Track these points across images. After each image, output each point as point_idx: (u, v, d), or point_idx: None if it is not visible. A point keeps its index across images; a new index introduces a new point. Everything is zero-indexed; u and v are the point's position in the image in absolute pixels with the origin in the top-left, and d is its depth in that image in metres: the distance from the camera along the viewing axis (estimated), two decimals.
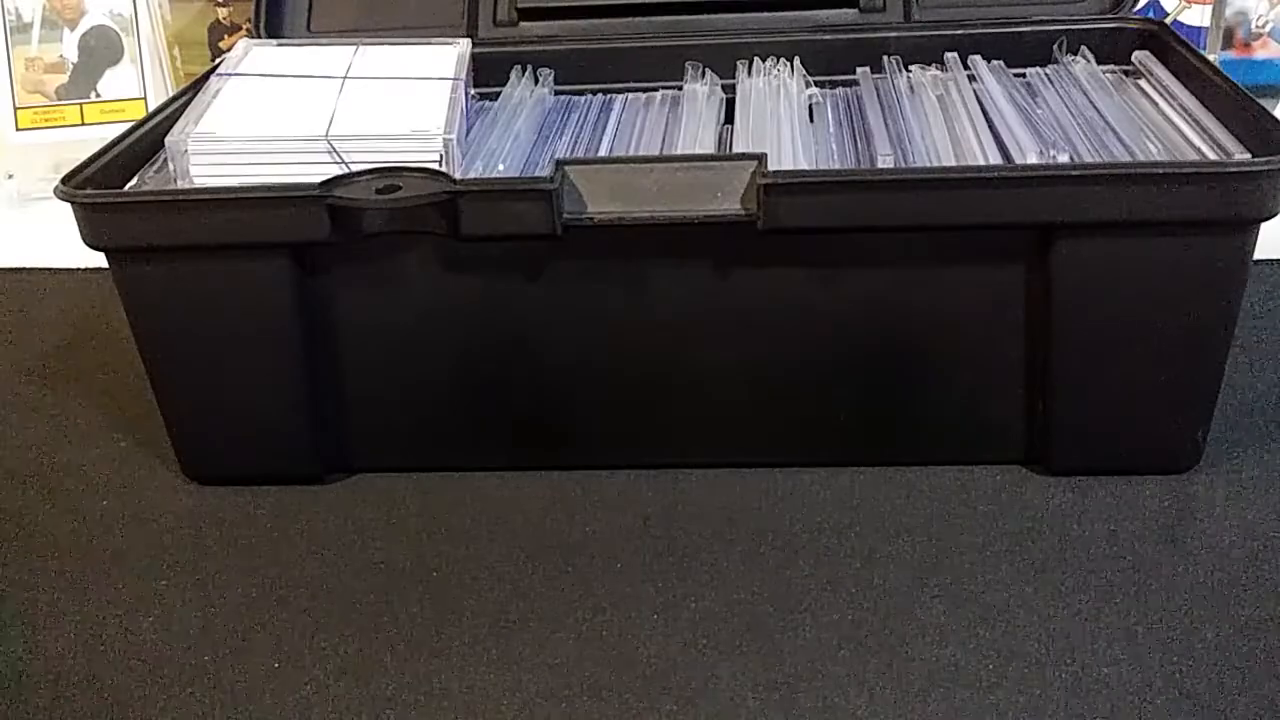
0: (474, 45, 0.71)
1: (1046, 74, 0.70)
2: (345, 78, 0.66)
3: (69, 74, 1.08)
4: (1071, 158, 0.59)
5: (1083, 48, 0.70)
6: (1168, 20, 0.89)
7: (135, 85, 1.08)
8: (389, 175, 0.56)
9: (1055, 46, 0.71)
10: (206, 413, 0.62)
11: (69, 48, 1.08)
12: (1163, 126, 0.62)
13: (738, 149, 0.63)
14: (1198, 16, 0.93)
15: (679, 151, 0.64)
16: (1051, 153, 0.59)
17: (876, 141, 0.63)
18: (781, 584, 0.55)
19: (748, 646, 0.52)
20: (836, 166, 0.62)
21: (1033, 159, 0.59)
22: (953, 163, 0.60)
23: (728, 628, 0.53)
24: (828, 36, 0.74)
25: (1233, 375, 0.60)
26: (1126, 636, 0.51)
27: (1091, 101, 0.65)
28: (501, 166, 0.63)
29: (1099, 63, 0.69)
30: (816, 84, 0.71)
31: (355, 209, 0.55)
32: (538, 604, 0.55)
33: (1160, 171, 0.53)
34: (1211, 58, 0.75)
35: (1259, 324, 0.72)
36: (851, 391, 0.60)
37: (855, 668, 0.50)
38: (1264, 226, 0.54)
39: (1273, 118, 0.56)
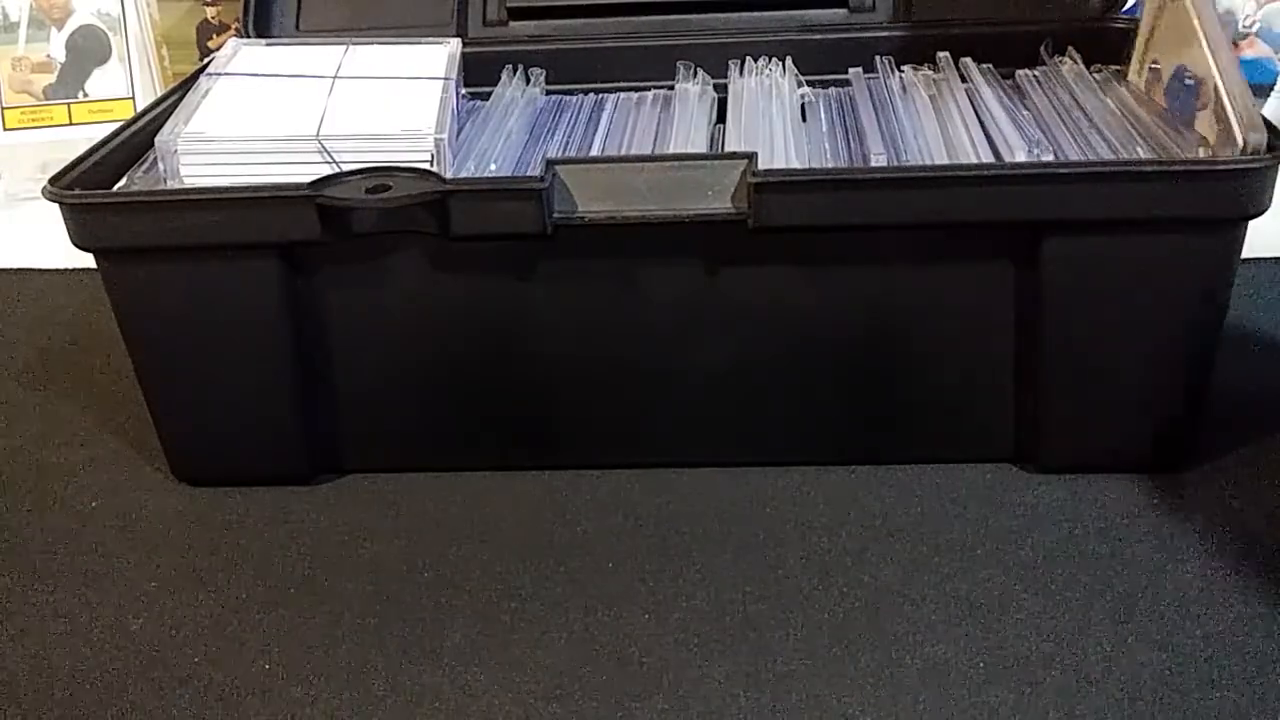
0: (464, 45, 0.71)
1: (1036, 75, 0.70)
2: (335, 77, 0.66)
3: (56, 74, 1.07)
4: (1058, 157, 0.59)
5: (1070, 49, 0.70)
6: None
7: (123, 85, 1.08)
8: (379, 175, 0.56)
9: (1042, 48, 0.71)
10: (196, 414, 0.62)
11: (56, 47, 1.07)
12: (1150, 126, 0.62)
13: (730, 149, 0.63)
14: None
15: (671, 151, 0.64)
16: (1035, 151, 0.59)
17: (869, 141, 0.63)
18: (773, 583, 0.55)
19: (739, 645, 0.52)
20: (829, 166, 0.62)
21: (1021, 157, 0.59)
22: (945, 162, 0.60)
23: (719, 626, 0.53)
24: (818, 36, 0.74)
25: (1221, 373, 0.60)
26: (1116, 634, 0.51)
27: (1079, 102, 0.65)
28: (493, 166, 0.63)
29: (1088, 63, 0.70)
30: (808, 84, 0.71)
31: (345, 209, 0.55)
32: (530, 604, 0.55)
33: (1148, 170, 0.54)
34: None
35: (1247, 322, 0.72)
36: (842, 390, 0.60)
37: (846, 666, 0.50)
38: (1251, 224, 0.55)
39: (1260, 116, 0.56)
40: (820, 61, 0.73)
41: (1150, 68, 0.64)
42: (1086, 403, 0.58)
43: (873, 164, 0.60)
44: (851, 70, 0.72)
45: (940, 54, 0.72)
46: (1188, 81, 0.59)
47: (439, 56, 0.68)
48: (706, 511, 0.60)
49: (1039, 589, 0.54)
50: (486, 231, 0.56)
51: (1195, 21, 0.57)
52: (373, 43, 0.70)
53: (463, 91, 0.71)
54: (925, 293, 0.57)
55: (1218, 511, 0.58)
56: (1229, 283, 0.56)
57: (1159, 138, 0.60)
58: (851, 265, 0.57)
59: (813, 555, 0.56)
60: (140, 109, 0.68)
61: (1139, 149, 0.59)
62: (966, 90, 0.68)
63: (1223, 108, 0.55)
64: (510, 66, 0.75)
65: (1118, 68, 0.69)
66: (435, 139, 0.60)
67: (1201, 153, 0.57)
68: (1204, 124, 0.57)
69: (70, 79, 1.07)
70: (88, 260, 0.58)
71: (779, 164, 0.60)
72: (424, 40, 0.71)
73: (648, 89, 0.73)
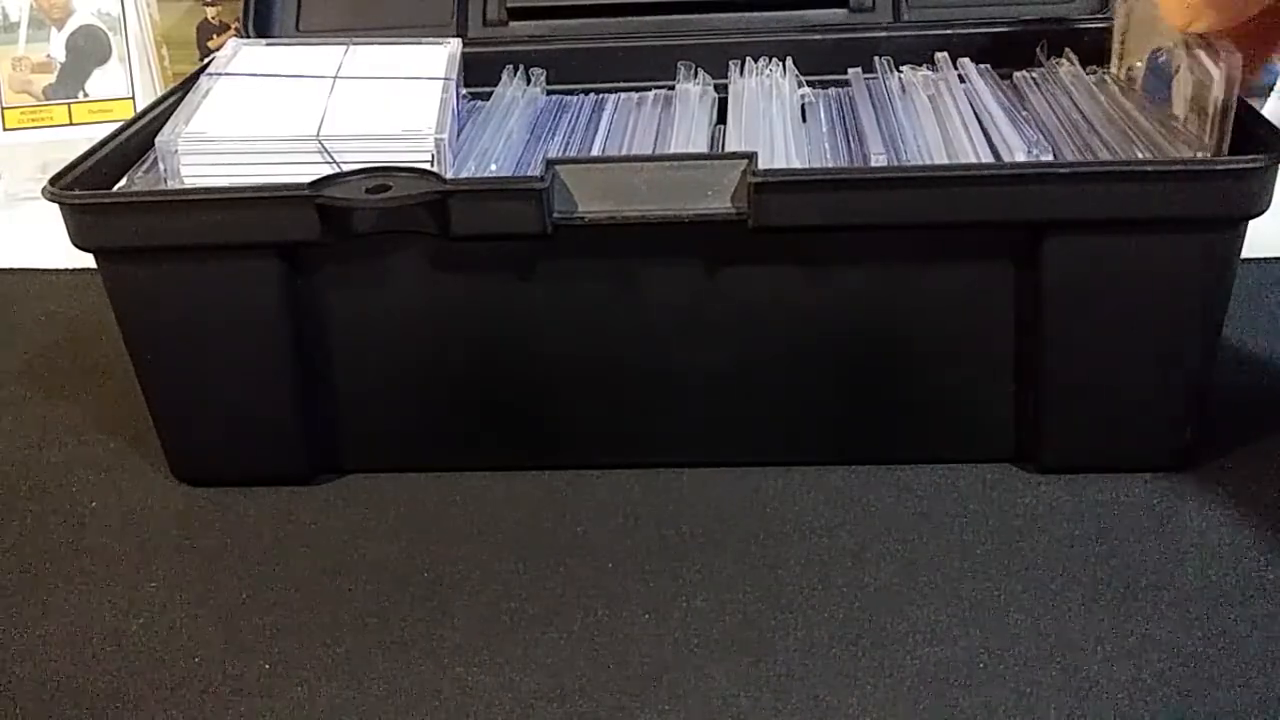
0: (464, 45, 0.71)
1: (1033, 77, 0.70)
2: (336, 77, 0.66)
3: (56, 73, 1.07)
4: (1056, 158, 0.59)
5: (1066, 50, 0.70)
6: None
7: (123, 85, 1.08)
8: (379, 175, 0.56)
9: (1038, 49, 0.71)
10: (195, 414, 0.62)
11: (56, 47, 1.07)
12: (1146, 128, 0.62)
13: (730, 149, 0.63)
14: None
15: (671, 151, 0.64)
16: (1035, 152, 0.59)
17: (869, 141, 0.63)
18: (773, 583, 0.55)
19: (739, 645, 0.52)
20: (829, 166, 0.62)
21: (1021, 158, 0.59)
22: (945, 162, 0.60)
23: (719, 627, 0.53)
24: (818, 36, 0.74)
25: (1221, 373, 0.60)
26: (1117, 634, 0.51)
27: (1076, 104, 0.65)
28: (494, 166, 0.63)
29: (1087, 63, 0.70)
30: (809, 84, 0.71)
31: (345, 209, 0.55)
32: (529, 604, 0.55)
33: (1148, 170, 0.54)
34: None
35: (1247, 322, 0.72)
36: (842, 390, 0.60)
37: (846, 666, 0.50)
38: (1251, 224, 0.55)
39: (1259, 116, 0.56)
40: (820, 61, 0.73)
41: (1128, 73, 0.64)
42: (1086, 403, 0.58)
43: (873, 164, 0.60)
44: (851, 70, 0.72)
45: (939, 54, 0.72)
46: (1160, 59, 0.59)
47: (439, 56, 0.69)
48: (706, 511, 0.60)
49: (1039, 588, 0.54)
50: (486, 231, 0.56)
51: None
52: (373, 43, 0.70)
53: (463, 91, 0.71)
54: (925, 293, 0.57)
55: (1218, 511, 0.58)
56: (1229, 282, 0.56)
57: (1156, 140, 0.60)
58: (851, 265, 0.57)
59: (813, 555, 0.56)
60: (140, 109, 0.68)
61: (1137, 150, 0.59)
62: (965, 90, 0.68)
63: (1195, 57, 0.54)
64: (510, 66, 0.75)
65: None
66: (435, 139, 0.60)
67: (1200, 154, 0.57)
68: (1181, 82, 0.56)
69: (70, 79, 1.07)
70: (88, 260, 0.58)
71: (779, 164, 0.60)
72: (424, 40, 0.71)
73: (648, 89, 0.73)
